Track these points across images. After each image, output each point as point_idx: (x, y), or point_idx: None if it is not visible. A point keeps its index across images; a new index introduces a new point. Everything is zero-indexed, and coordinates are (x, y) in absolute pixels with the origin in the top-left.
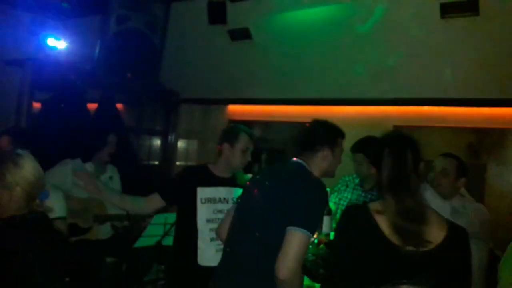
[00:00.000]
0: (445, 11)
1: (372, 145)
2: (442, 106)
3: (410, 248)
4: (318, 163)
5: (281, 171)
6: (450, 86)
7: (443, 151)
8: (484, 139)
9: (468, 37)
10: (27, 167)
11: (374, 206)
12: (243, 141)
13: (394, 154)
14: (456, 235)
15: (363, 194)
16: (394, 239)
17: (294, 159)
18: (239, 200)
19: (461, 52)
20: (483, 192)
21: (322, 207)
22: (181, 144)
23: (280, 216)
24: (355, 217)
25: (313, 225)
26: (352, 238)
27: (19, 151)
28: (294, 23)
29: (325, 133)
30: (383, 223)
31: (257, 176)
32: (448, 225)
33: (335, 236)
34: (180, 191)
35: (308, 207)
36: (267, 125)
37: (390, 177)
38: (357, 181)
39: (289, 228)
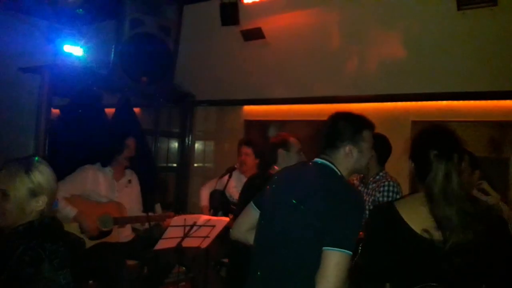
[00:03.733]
0: (462, 2)
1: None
2: (461, 100)
3: (440, 243)
4: (342, 161)
5: (307, 176)
6: (469, 79)
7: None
8: (506, 133)
9: (486, 29)
10: (50, 174)
11: (401, 204)
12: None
13: (443, 157)
14: (491, 227)
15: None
16: (425, 234)
17: (318, 159)
18: (261, 209)
19: (479, 44)
20: (507, 186)
21: (361, 219)
22: (198, 145)
23: (313, 233)
24: (383, 217)
25: (352, 242)
26: (381, 237)
27: (37, 158)
28: (306, 21)
29: (346, 127)
30: (412, 221)
31: (278, 180)
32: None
33: (365, 236)
34: None
35: (346, 222)
36: (283, 124)
37: (439, 183)
38: None
39: (326, 248)
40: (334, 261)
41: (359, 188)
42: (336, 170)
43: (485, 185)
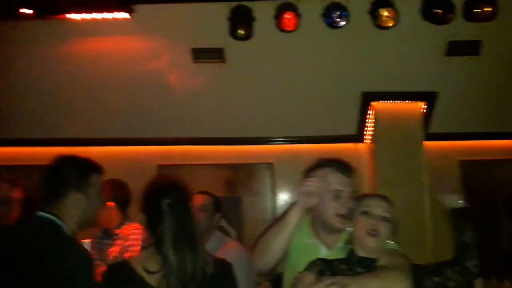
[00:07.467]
0: (197, 56)
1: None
2: (202, 145)
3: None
4: (68, 213)
5: (26, 239)
6: (207, 124)
7: (205, 187)
8: (238, 174)
9: (215, 83)
10: None
11: (135, 260)
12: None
13: (175, 207)
14: (220, 268)
15: None
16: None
17: (41, 212)
18: None
19: (210, 95)
20: (240, 222)
21: (93, 283)
22: None
23: None
24: (117, 274)
25: None
26: None
27: None
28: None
29: (71, 172)
30: (146, 275)
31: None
32: (215, 261)
33: None
34: None
35: None
36: (10, 169)
37: (172, 233)
38: None
39: None
40: None
41: (103, 240)
42: (63, 226)
43: (224, 224)
